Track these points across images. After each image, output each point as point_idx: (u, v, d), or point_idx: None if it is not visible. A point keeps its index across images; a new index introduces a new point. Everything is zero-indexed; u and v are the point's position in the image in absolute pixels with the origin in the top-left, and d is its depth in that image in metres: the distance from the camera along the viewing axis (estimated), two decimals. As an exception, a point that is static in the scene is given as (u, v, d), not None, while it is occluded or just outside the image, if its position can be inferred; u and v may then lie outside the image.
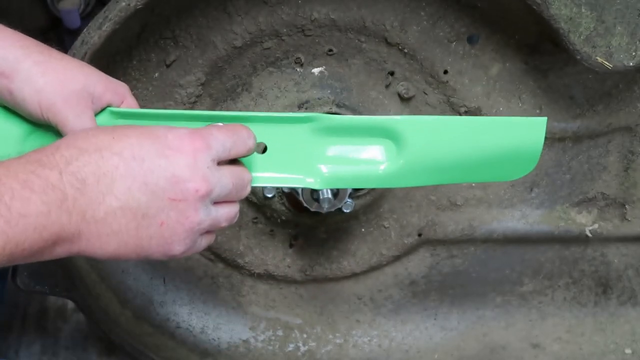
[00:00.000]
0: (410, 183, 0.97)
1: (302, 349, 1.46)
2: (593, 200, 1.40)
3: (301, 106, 1.24)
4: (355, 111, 1.25)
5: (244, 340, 1.45)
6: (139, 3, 1.05)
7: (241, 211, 0.91)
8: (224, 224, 0.86)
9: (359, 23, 1.20)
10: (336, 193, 1.21)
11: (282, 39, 1.21)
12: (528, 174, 0.98)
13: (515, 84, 1.27)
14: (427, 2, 1.19)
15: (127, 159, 0.79)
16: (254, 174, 0.93)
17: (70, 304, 1.63)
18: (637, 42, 1.12)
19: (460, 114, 1.28)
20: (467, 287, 1.46)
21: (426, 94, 1.27)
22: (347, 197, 1.24)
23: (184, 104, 1.23)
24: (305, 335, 1.46)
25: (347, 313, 1.46)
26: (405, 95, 1.26)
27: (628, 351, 1.49)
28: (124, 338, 1.38)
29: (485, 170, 0.97)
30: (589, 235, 1.41)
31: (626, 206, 1.39)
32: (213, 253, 1.38)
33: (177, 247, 0.83)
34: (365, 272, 1.43)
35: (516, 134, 0.94)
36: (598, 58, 1.12)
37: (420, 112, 1.28)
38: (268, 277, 1.42)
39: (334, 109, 1.23)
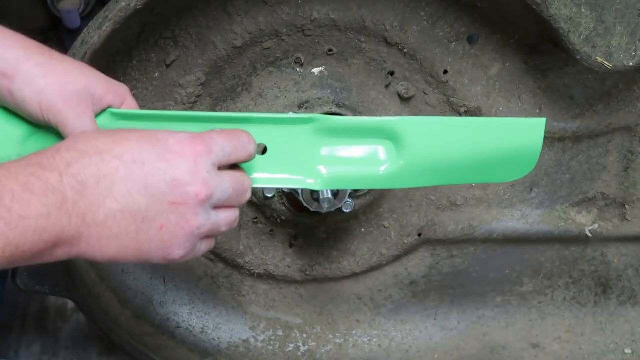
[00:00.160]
0: (410, 184, 0.97)
1: (302, 348, 1.46)
2: (593, 200, 1.40)
3: (301, 106, 1.24)
4: (355, 111, 1.25)
5: (244, 340, 1.45)
6: (139, 3, 1.05)
7: (241, 211, 0.91)
8: (224, 229, 0.86)
9: (359, 23, 1.20)
10: (336, 193, 1.21)
11: (282, 39, 1.21)
12: (528, 174, 0.98)
13: (515, 84, 1.27)
14: (427, 2, 1.19)
15: (128, 162, 0.79)
16: (254, 175, 0.93)
17: (70, 304, 1.63)
18: (637, 42, 1.12)
19: (460, 114, 1.28)
20: (467, 287, 1.46)
21: (426, 94, 1.27)
22: (347, 197, 1.24)
23: (184, 104, 1.22)
24: (305, 335, 1.46)
25: (347, 313, 1.46)
26: (405, 95, 1.26)
27: (628, 351, 1.49)
28: (124, 338, 1.38)
29: (484, 171, 0.97)
30: (589, 235, 1.41)
31: (626, 206, 1.39)
32: (213, 253, 1.38)
33: (177, 251, 0.83)
34: (365, 272, 1.43)
35: (515, 134, 0.94)
36: (598, 58, 1.12)
37: (420, 112, 1.28)
38: (268, 277, 1.42)
39: (334, 109, 1.23)
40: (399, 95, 1.26)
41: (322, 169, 0.95)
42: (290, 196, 1.29)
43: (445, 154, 0.94)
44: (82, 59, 1.06)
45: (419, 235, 1.39)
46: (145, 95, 1.21)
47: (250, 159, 0.88)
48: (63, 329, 1.63)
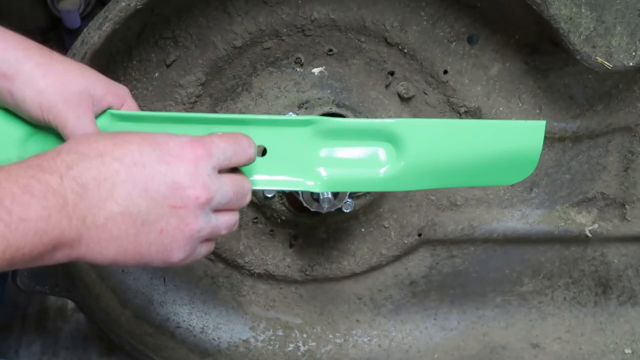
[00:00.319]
0: (410, 187, 0.97)
1: (302, 348, 1.46)
2: (593, 200, 1.40)
3: (301, 106, 1.24)
4: (355, 111, 1.25)
5: (244, 340, 1.45)
6: (139, 3, 1.05)
7: (241, 211, 0.91)
8: (224, 232, 0.86)
9: (359, 23, 1.20)
10: (336, 193, 1.21)
11: (282, 39, 1.21)
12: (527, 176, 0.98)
13: (515, 84, 1.27)
14: (427, 2, 1.19)
15: (128, 165, 0.79)
16: (254, 177, 0.93)
17: (70, 304, 1.63)
18: (637, 42, 1.12)
19: (460, 114, 1.28)
20: (467, 287, 1.46)
21: (426, 94, 1.27)
22: (347, 197, 1.24)
23: (184, 104, 1.22)
24: (305, 335, 1.46)
25: (347, 313, 1.46)
26: (405, 95, 1.26)
27: (628, 351, 1.49)
28: (124, 338, 1.38)
29: (484, 174, 0.97)
30: (589, 235, 1.41)
31: (626, 206, 1.39)
32: (213, 253, 1.38)
33: (177, 254, 0.83)
34: (365, 272, 1.43)
35: (515, 137, 0.94)
36: (598, 58, 1.12)
37: (420, 112, 1.28)
38: (268, 277, 1.42)
39: (334, 109, 1.23)
40: (399, 95, 1.26)
41: (322, 171, 0.95)
42: (290, 196, 1.29)
43: (444, 156, 0.94)
44: (82, 59, 1.06)
45: (419, 235, 1.39)
46: (145, 95, 1.21)
47: (250, 162, 0.88)
48: (63, 329, 1.63)
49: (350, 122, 0.97)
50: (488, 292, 1.47)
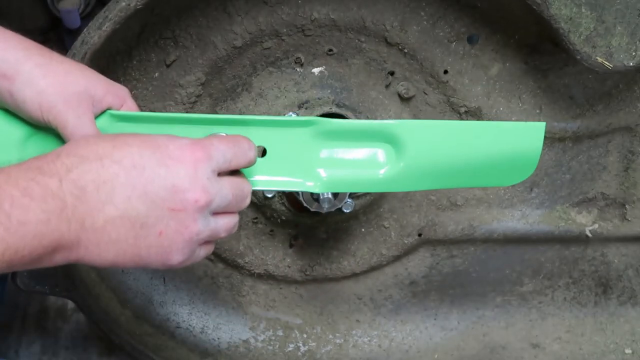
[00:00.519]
0: (409, 187, 0.97)
1: (302, 349, 1.46)
2: (593, 200, 1.40)
3: (301, 106, 1.24)
4: (355, 111, 1.25)
5: (244, 340, 1.45)
6: (139, 3, 1.05)
7: (241, 212, 0.91)
8: (223, 235, 0.86)
9: (359, 23, 1.20)
10: (336, 193, 1.21)
11: (282, 39, 1.20)
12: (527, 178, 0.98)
13: (515, 84, 1.27)
14: (427, 2, 1.19)
15: (128, 168, 0.79)
16: (254, 178, 0.93)
17: (70, 304, 1.62)
18: (637, 42, 1.12)
19: (460, 114, 1.28)
20: (467, 287, 1.46)
21: (426, 94, 1.27)
22: (347, 197, 1.24)
23: (184, 104, 1.22)
24: (305, 335, 1.46)
25: (347, 313, 1.46)
26: (405, 95, 1.26)
27: (628, 351, 1.49)
28: (124, 338, 1.38)
29: (483, 175, 0.97)
30: (589, 235, 1.41)
31: (626, 206, 1.39)
32: (213, 253, 1.38)
33: (176, 257, 0.83)
34: (365, 272, 1.43)
35: (515, 138, 0.94)
36: (598, 58, 1.12)
37: (420, 112, 1.28)
38: (268, 277, 1.42)
39: (334, 109, 1.23)
40: (399, 95, 1.26)
41: (322, 172, 0.95)
42: (290, 196, 1.29)
43: (444, 157, 0.94)
44: (82, 59, 1.06)
45: (419, 235, 1.39)
46: (145, 95, 1.21)
47: (250, 165, 0.88)
48: (63, 329, 1.63)
49: (349, 123, 0.97)
50: (488, 292, 1.47)
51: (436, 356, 1.48)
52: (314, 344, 1.46)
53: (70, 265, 1.28)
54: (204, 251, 0.87)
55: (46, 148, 0.91)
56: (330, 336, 1.47)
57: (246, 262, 1.39)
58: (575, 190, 1.38)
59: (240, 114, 1.25)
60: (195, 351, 1.43)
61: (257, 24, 1.18)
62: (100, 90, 0.90)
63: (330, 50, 1.22)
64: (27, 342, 1.60)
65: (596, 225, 1.41)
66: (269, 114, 1.24)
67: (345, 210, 1.27)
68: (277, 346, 1.46)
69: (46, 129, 0.91)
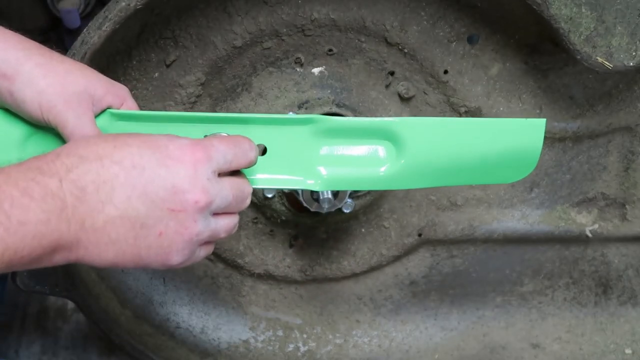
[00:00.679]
0: (410, 185, 0.97)
1: (302, 349, 1.46)
2: (593, 200, 1.40)
3: (301, 106, 1.24)
4: (355, 111, 1.25)
5: (244, 341, 1.45)
6: (139, 3, 1.05)
7: (241, 212, 0.91)
8: (222, 235, 0.86)
9: (359, 23, 1.20)
10: (336, 193, 1.21)
11: (282, 39, 1.20)
12: (528, 175, 0.98)
13: (515, 84, 1.27)
14: (427, 2, 1.19)
15: (128, 168, 0.79)
16: (254, 176, 0.93)
17: (70, 304, 1.62)
18: (638, 42, 1.12)
19: (460, 114, 1.28)
20: (467, 287, 1.46)
21: (426, 94, 1.27)
22: (347, 197, 1.24)
23: (184, 104, 1.22)
24: (305, 336, 1.46)
25: (347, 313, 1.46)
26: (405, 95, 1.26)
27: (628, 351, 1.49)
28: (124, 338, 1.38)
29: (484, 172, 0.97)
30: (589, 235, 1.41)
31: (626, 206, 1.39)
32: (213, 253, 1.38)
33: (175, 258, 0.83)
34: (365, 272, 1.43)
35: (515, 135, 0.94)
36: (598, 58, 1.12)
37: (420, 112, 1.28)
38: (268, 277, 1.42)
39: (334, 109, 1.23)
40: (399, 95, 1.26)
41: (322, 170, 0.95)
42: (290, 196, 1.29)
43: (444, 154, 0.94)
44: (82, 59, 1.06)
45: (419, 235, 1.39)
46: (145, 95, 1.21)
47: (251, 165, 0.88)
48: (63, 329, 1.63)
49: (350, 120, 0.97)
50: (488, 292, 1.47)
51: (436, 356, 1.48)
52: (314, 344, 1.46)
53: (70, 265, 1.28)
54: (204, 252, 0.87)
55: (46, 148, 0.91)
56: (330, 336, 1.47)
57: (246, 262, 1.39)
58: (575, 190, 1.38)
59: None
60: (195, 351, 1.43)
61: (257, 24, 1.18)
62: (100, 90, 0.90)
63: (330, 50, 1.22)
64: (27, 342, 1.60)
65: (596, 225, 1.41)
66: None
67: (345, 211, 1.27)
68: (277, 346, 1.46)
69: (46, 129, 0.91)
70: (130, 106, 0.94)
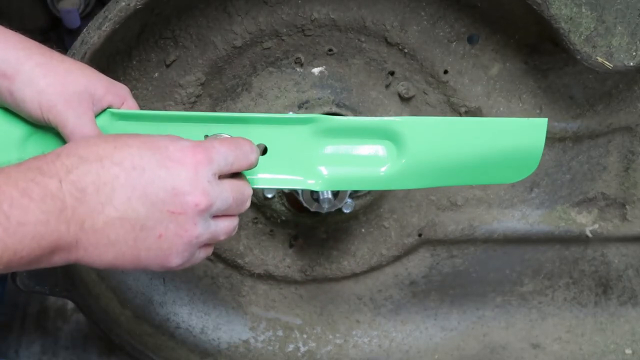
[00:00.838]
0: (411, 185, 0.96)
1: (302, 349, 1.46)
2: (593, 200, 1.40)
3: (301, 106, 1.24)
4: (355, 111, 1.25)
5: (244, 341, 1.45)
6: (138, 3, 1.05)
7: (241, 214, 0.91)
8: (222, 237, 0.86)
9: (359, 23, 1.20)
10: (336, 193, 1.21)
11: (282, 39, 1.20)
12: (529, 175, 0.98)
13: (515, 84, 1.27)
14: (427, 2, 1.19)
15: (128, 169, 0.78)
16: (255, 176, 0.93)
17: (70, 304, 1.62)
18: (638, 42, 1.12)
19: (460, 114, 1.28)
20: (467, 287, 1.46)
21: (426, 94, 1.27)
22: (347, 197, 1.24)
23: (184, 104, 1.22)
24: (305, 336, 1.46)
25: (347, 313, 1.46)
26: (406, 95, 1.26)
27: (628, 351, 1.49)
28: (124, 338, 1.38)
29: (486, 172, 0.96)
30: (589, 235, 1.41)
31: (626, 206, 1.39)
32: (213, 253, 1.38)
33: (175, 260, 0.82)
34: (365, 272, 1.43)
35: (517, 134, 0.94)
36: (598, 58, 1.12)
37: (420, 112, 1.28)
38: (268, 277, 1.41)
39: (334, 109, 1.23)
40: (399, 95, 1.26)
41: (323, 170, 0.95)
42: (290, 196, 1.29)
43: (446, 154, 0.94)
44: (82, 59, 1.06)
45: (419, 235, 1.39)
46: (145, 95, 1.21)
47: (251, 167, 0.88)
48: (63, 329, 1.63)
49: (350, 120, 0.97)
50: (488, 292, 1.47)
51: (436, 356, 1.48)
52: (314, 344, 1.46)
53: (70, 265, 1.27)
54: (203, 253, 0.86)
55: (46, 147, 0.91)
56: (330, 336, 1.46)
57: (246, 262, 1.39)
58: (575, 190, 1.38)
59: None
60: (195, 351, 1.43)
61: (257, 24, 1.18)
62: (100, 90, 0.90)
63: (330, 50, 1.22)
64: (27, 342, 1.60)
65: (596, 225, 1.41)
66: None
67: (345, 211, 1.27)
68: (277, 346, 1.46)
69: (46, 128, 0.90)
70: (130, 106, 0.94)
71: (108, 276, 1.36)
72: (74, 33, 1.32)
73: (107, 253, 0.79)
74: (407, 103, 1.27)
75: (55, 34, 1.39)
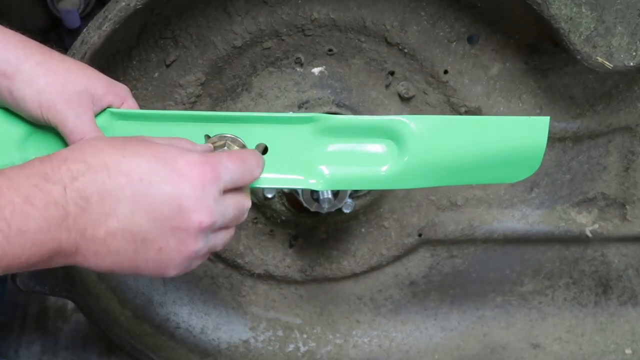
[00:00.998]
0: (412, 185, 0.96)
1: (302, 349, 1.46)
2: (593, 200, 1.39)
3: (301, 106, 1.24)
4: (355, 111, 1.25)
5: (244, 341, 1.45)
6: (138, 3, 1.05)
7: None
8: (219, 248, 0.86)
9: (359, 23, 1.20)
10: (336, 193, 1.21)
11: (282, 39, 1.21)
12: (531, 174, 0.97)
13: (515, 84, 1.27)
14: (427, 2, 1.19)
15: (135, 180, 0.77)
16: None
17: (70, 304, 1.62)
18: (638, 42, 1.12)
19: (460, 114, 1.27)
20: (467, 287, 1.46)
21: (426, 94, 1.27)
22: (347, 197, 1.24)
23: (184, 104, 1.22)
24: (305, 336, 1.46)
25: (347, 313, 1.46)
26: (406, 95, 1.26)
27: (628, 351, 1.49)
28: (124, 338, 1.38)
29: (487, 171, 0.96)
30: (589, 235, 1.41)
31: (626, 206, 1.39)
32: (213, 253, 1.38)
33: (172, 271, 0.82)
34: (365, 272, 1.43)
35: (519, 133, 0.93)
36: (598, 58, 1.12)
37: (420, 112, 1.28)
38: (268, 277, 1.41)
39: (334, 109, 1.23)
40: (399, 95, 1.26)
41: (324, 169, 0.94)
42: (290, 196, 1.29)
43: (447, 153, 0.94)
44: (82, 59, 1.06)
45: (419, 235, 1.39)
46: (145, 95, 1.21)
47: (254, 181, 0.88)
48: (63, 329, 1.62)
49: (351, 119, 0.97)
50: (488, 292, 1.47)
51: (436, 356, 1.48)
52: (314, 344, 1.46)
53: (70, 266, 1.27)
54: (200, 261, 0.86)
55: (46, 147, 0.91)
56: (330, 336, 1.46)
57: (246, 262, 1.39)
58: (575, 190, 1.38)
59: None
60: (195, 351, 1.43)
61: (257, 24, 1.18)
62: (100, 89, 0.90)
63: (330, 50, 1.22)
64: (27, 342, 1.59)
65: (596, 225, 1.40)
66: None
67: (345, 211, 1.27)
68: (277, 346, 1.46)
69: (46, 128, 0.90)
70: (130, 105, 0.94)
71: (108, 276, 1.36)
72: (74, 33, 1.32)
73: (106, 261, 0.79)
74: (407, 103, 1.27)
75: (55, 34, 1.39)
